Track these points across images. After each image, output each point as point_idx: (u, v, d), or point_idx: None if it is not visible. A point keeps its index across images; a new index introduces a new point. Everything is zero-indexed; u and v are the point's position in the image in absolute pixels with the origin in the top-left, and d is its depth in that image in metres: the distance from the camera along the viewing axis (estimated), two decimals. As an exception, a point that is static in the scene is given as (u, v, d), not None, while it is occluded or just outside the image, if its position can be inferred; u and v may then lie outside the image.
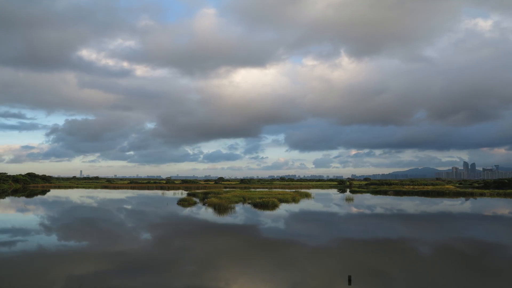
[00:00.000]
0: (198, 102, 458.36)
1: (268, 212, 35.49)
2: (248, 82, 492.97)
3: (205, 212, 34.65)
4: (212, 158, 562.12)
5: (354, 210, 40.49)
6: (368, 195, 73.40)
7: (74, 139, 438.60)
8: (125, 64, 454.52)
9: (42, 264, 14.84)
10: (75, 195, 70.93)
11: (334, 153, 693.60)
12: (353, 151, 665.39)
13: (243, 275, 13.42)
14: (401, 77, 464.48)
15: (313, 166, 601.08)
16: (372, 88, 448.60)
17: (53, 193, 79.36)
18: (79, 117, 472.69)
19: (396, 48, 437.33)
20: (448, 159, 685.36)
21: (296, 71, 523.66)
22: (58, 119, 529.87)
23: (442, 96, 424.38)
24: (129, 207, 43.06)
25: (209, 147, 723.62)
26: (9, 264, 14.80)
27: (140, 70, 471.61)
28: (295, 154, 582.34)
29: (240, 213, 33.91)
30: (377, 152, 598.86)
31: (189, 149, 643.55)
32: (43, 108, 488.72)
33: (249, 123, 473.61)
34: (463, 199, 61.92)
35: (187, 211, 36.43)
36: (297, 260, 15.55)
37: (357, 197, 66.50)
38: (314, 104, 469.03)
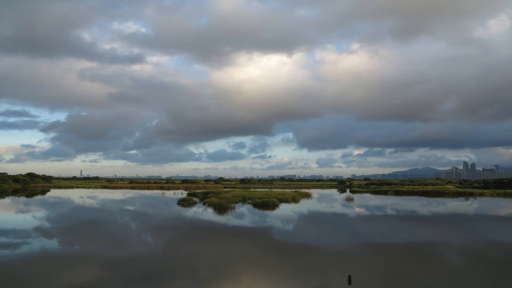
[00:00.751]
0: (210, 95, 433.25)
1: (273, 213, 34.88)
2: (267, 72, 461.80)
3: (209, 213, 33.90)
4: (216, 157, 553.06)
5: (362, 211, 39.98)
6: (371, 196, 73.36)
7: (74, 138, 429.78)
8: (133, 50, 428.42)
9: (43, 270, 14.13)
10: (76, 195, 70.91)
11: (342, 152, 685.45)
12: (362, 150, 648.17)
13: (264, 285, 12.37)
14: (442, 65, 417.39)
15: (317, 165, 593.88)
16: (405, 79, 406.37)
17: (54, 193, 79.35)
18: (79, 113, 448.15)
19: (444, 28, 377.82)
20: (457, 159, 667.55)
21: (322, 60, 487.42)
22: (58, 115, 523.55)
23: (476, 89, 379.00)
24: (130, 208, 42.62)
25: (214, 146, 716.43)
26: (8, 269, 14.09)
27: (150, 57, 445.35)
28: (303, 153, 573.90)
29: (245, 214, 33.29)
30: (388, 150, 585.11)
31: (193, 148, 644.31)
32: (44, 104, 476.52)
33: (261, 120, 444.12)
34: (471, 199, 61.97)
35: (190, 212, 35.71)
36: (321, 268, 14.26)
37: (359, 197, 66.47)
38: (335, 98, 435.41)
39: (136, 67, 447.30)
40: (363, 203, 50.72)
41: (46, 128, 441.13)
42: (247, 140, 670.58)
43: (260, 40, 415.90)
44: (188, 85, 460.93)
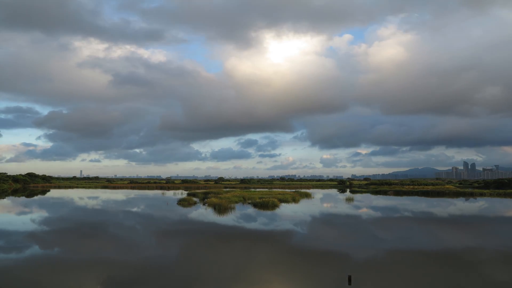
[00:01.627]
0: (229, 86, 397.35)
1: (280, 215, 33.62)
2: (293, 61, 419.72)
3: (215, 215, 32.68)
4: (221, 156, 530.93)
5: (371, 212, 38.69)
6: (373, 196, 73.31)
7: (73, 136, 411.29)
8: (142, 25, 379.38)
9: (46, 278, 13.10)
10: (76, 195, 70.91)
11: (353, 151, 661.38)
12: (374, 149, 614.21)
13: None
14: (493, 51, 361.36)
15: (322, 165, 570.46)
16: (453, 66, 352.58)
17: (54, 193, 79.35)
18: (78, 107, 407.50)
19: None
20: (472, 157, 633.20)
21: (359, 44, 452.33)
22: (56, 110, 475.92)
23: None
24: (133, 209, 41.48)
25: (220, 144, 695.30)
26: (9, 275, 13.28)
27: (165, 36, 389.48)
28: (313, 152, 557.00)
29: (251, 216, 32.31)
30: (403, 149, 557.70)
31: (199, 147, 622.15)
32: (42, 98, 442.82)
33: (280, 115, 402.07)
34: (479, 198, 61.88)
35: (194, 213, 34.66)
36: (358, 280, 12.39)
37: (363, 197, 66.31)
38: (364, 89, 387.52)
39: (143, 52, 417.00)
40: (369, 204, 50.05)
41: (40, 124, 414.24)
42: (259, 137, 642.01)
43: (299, 13, 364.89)
44: (205, 74, 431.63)
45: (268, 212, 35.44)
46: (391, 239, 22.10)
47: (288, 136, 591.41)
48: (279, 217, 32.03)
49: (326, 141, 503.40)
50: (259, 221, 28.96)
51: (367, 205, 48.20)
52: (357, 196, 67.91)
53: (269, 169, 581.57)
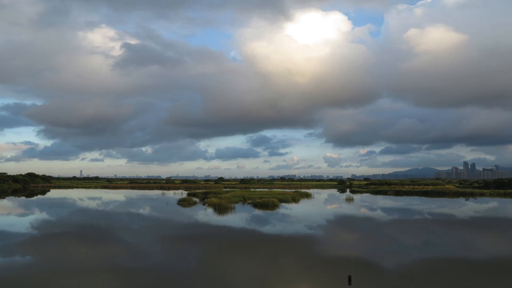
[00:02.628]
0: (251, 74, 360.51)
1: (290, 216, 32.37)
2: (325, 44, 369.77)
3: (220, 216, 31.82)
4: (227, 155, 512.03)
5: (381, 213, 37.06)
6: (375, 196, 73.27)
7: (72, 134, 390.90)
8: None
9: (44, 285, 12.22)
10: (77, 196, 70.89)
11: (365, 150, 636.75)
12: (387, 147, 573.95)
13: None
14: None
15: (326, 164, 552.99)
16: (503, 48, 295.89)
17: (54, 193, 79.34)
18: (75, 101, 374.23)
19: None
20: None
21: (401, 25, 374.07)
22: (49, 104, 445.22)
23: None
24: (135, 209, 40.44)
25: (228, 142, 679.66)
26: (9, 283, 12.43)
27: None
28: (324, 150, 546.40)
29: (258, 217, 31.56)
30: (422, 147, 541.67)
31: (205, 145, 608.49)
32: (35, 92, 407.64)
33: (304, 109, 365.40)
34: (487, 199, 61.73)
35: (199, 214, 33.33)
36: None
37: (366, 198, 66.12)
38: (405, 77, 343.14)
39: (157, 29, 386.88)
40: (376, 205, 48.82)
41: (34, 116, 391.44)
42: (273, 134, 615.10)
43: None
44: (224, 61, 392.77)
45: (275, 213, 34.68)
46: (416, 244, 20.37)
47: (304, 133, 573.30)
48: (289, 219, 30.63)
49: (341, 139, 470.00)
50: (269, 223, 27.70)
51: (374, 206, 47.10)
52: (360, 197, 67.81)
53: (273, 169, 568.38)
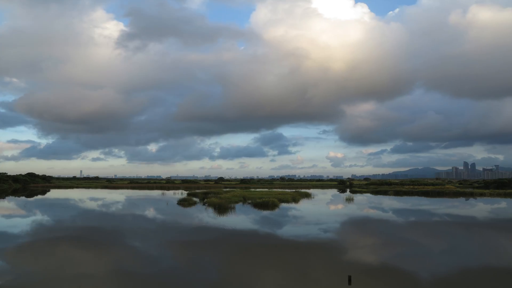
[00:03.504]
0: (269, 60, 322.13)
1: (300, 217, 31.35)
2: (357, 28, 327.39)
3: (229, 217, 30.73)
4: (232, 154, 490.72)
5: (395, 215, 34.85)
6: (377, 196, 73.25)
7: (71, 132, 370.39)
8: None
9: None
10: (77, 196, 70.87)
11: (378, 148, 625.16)
12: (401, 144, 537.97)
13: None
14: None
15: (330, 164, 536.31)
16: None
17: (54, 194, 79.33)
18: (82, 95, 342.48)
19: None
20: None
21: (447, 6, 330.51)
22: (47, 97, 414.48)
23: None
24: (138, 210, 38.92)
25: (235, 139, 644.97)
26: None
27: None
28: (335, 150, 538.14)
29: (270, 218, 30.65)
30: (433, 144, 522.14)
31: (210, 143, 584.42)
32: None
33: (325, 102, 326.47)
34: (488, 199, 61.62)
35: (205, 215, 31.76)
36: None
37: (371, 198, 65.87)
38: (441, 65, 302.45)
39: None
40: (384, 205, 47.43)
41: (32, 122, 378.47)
42: (289, 130, 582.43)
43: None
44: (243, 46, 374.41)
45: (283, 215, 33.59)
46: (443, 249, 18.78)
47: (320, 129, 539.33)
48: (300, 221, 29.39)
49: (355, 137, 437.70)
50: (281, 225, 26.44)
51: (382, 206, 45.62)
52: (363, 197, 67.62)
53: (275, 169, 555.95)
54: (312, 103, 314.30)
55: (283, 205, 43.41)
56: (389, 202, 54.22)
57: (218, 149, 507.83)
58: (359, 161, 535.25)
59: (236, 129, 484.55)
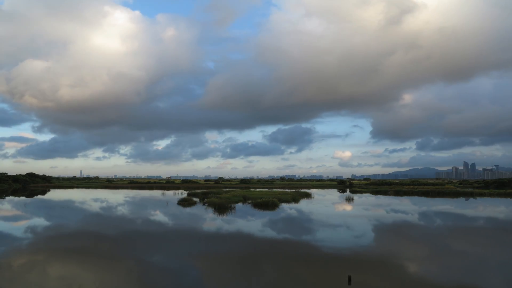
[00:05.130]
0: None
1: (317, 221, 29.39)
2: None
3: (246, 221, 28.25)
4: (239, 151, 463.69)
5: (423, 219, 32.41)
6: (379, 196, 73.20)
7: (71, 129, 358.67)
8: None
9: None
10: (77, 196, 70.81)
11: (402, 146, 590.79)
12: (439, 140, 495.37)
13: None
14: None
15: (337, 164, 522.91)
16: None
17: (55, 194, 79.27)
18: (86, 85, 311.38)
19: None
20: None
21: None
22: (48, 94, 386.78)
23: None
24: (144, 213, 35.82)
25: (249, 135, 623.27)
26: None
27: None
28: (353, 147, 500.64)
29: (288, 221, 28.77)
30: (471, 140, 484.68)
31: (223, 139, 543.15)
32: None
33: (379, 88, 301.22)
34: (487, 199, 61.56)
35: (220, 220, 29.32)
36: None
37: (375, 198, 65.89)
38: None
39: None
40: (399, 207, 45.23)
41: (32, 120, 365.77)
42: (316, 124, 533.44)
43: None
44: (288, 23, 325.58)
45: (303, 218, 31.40)
46: (500, 260, 16.73)
47: (355, 123, 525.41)
48: (324, 223, 27.82)
49: (391, 131, 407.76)
50: (305, 231, 24.44)
51: (398, 208, 43.15)
52: (367, 197, 67.73)
53: (282, 168, 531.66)
54: (368, 86, 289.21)
55: (295, 206, 43.36)
56: (399, 202, 53.34)
57: (233, 145, 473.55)
58: (369, 161, 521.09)
59: (264, 121, 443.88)
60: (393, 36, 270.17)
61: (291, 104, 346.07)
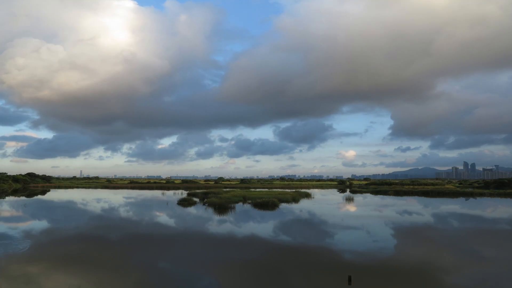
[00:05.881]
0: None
1: (333, 224, 27.64)
2: None
3: (262, 226, 26.26)
4: (247, 148, 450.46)
5: (439, 221, 30.63)
6: (382, 196, 73.20)
7: (72, 128, 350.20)
8: None
9: None
10: (78, 197, 70.79)
11: (413, 144, 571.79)
12: (458, 138, 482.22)
13: None
14: None
15: (341, 163, 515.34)
16: None
17: (55, 194, 79.24)
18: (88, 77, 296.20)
19: None
20: None
21: None
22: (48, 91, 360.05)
23: None
24: (151, 215, 34.11)
25: (260, 131, 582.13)
26: None
27: None
28: (367, 146, 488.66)
29: (306, 225, 27.45)
30: (492, 138, 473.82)
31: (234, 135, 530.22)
32: None
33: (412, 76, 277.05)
34: (487, 199, 61.50)
35: (219, 221, 28.37)
36: None
37: (378, 198, 65.83)
38: None
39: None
40: (410, 208, 43.29)
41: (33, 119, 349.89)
42: (335, 120, 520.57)
43: None
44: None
45: (300, 218, 31.34)
46: None
47: (374, 120, 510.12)
48: (341, 226, 26.45)
49: (406, 128, 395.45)
50: (329, 234, 23.05)
51: (409, 209, 41.30)
52: (379, 198, 67.71)
53: (283, 168, 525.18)
54: (406, 72, 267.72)
55: (295, 206, 43.37)
56: (404, 203, 52.96)
57: (241, 143, 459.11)
58: (374, 160, 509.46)
59: (280, 116, 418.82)
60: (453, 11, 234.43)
61: (313, 96, 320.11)
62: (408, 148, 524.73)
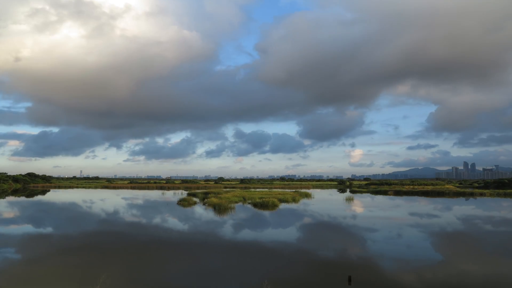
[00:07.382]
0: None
1: (353, 225, 26.40)
2: None
3: (278, 232, 23.82)
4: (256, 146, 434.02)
5: (469, 225, 27.81)
6: (383, 196, 73.16)
7: (73, 126, 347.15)
8: None
9: None
10: (78, 197, 70.74)
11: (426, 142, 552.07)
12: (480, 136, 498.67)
13: None
14: None
15: (348, 164, 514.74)
16: None
17: (55, 194, 79.20)
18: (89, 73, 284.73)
19: None
20: None
21: None
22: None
23: None
24: (145, 214, 33.75)
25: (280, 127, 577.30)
26: None
27: None
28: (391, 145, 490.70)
29: (328, 227, 26.11)
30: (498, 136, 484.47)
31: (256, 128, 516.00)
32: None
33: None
34: (487, 199, 61.52)
35: (219, 222, 27.61)
36: None
37: (381, 199, 65.81)
38: None
39: None
40: (422, 209, 41.44)
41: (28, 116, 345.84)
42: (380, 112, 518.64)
43: None
44: None
45: (300, 218, 30.69)
46: None
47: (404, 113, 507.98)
48: (370, 230, 24.60)
49: (446, 121, 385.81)
50: (361, 239, 21.22)
51: (405, 208, 41.00)
52: (385, 198, 67.64)
53: (288, 167, 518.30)
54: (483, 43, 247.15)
55: (295, 206, 43.34)
56: (408, 203, 52.56)
57: (255, 138, 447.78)
58: (381, 160, 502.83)
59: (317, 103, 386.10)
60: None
61: (363, 79, 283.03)
62: (428, 145, 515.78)
